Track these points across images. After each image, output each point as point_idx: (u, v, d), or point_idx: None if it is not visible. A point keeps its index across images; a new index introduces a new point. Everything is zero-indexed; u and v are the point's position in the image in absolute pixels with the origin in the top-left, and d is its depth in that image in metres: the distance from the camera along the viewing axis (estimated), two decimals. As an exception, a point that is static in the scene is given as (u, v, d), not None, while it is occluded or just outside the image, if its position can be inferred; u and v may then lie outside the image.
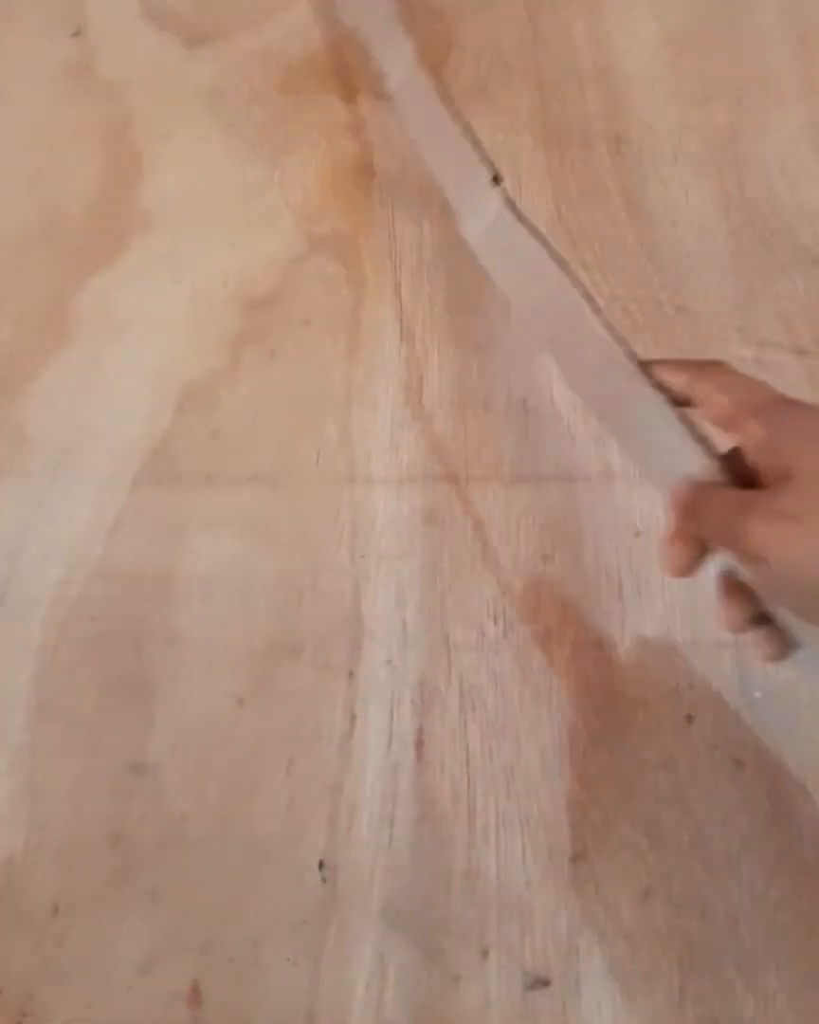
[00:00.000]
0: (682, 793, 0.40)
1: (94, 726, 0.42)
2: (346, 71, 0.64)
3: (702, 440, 0.34)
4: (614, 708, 0.42)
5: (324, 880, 0.39)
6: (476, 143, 0.40)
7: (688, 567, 0.35)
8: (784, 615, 0.34)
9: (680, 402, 0.35)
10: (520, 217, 0.38)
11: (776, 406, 0.33)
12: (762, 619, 0.35)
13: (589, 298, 0.36)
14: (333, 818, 0.40)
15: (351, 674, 0.43)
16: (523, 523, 0.47)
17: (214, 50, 0.64)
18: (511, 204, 0.39)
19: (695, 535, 0.34)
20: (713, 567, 0.35)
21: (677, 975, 0.38)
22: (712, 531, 0.33)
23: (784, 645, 0.34)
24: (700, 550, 0.34)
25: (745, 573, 0.34)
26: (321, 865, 0.39)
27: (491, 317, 0.53)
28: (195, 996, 0.37)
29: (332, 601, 0.45)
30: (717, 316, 0.53)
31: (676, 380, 0.35)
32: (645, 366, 0.35)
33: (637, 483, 0.48)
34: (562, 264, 0.36)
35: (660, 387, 0.35)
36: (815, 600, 0.30)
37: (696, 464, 0.34)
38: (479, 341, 0.52)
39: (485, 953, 0.38)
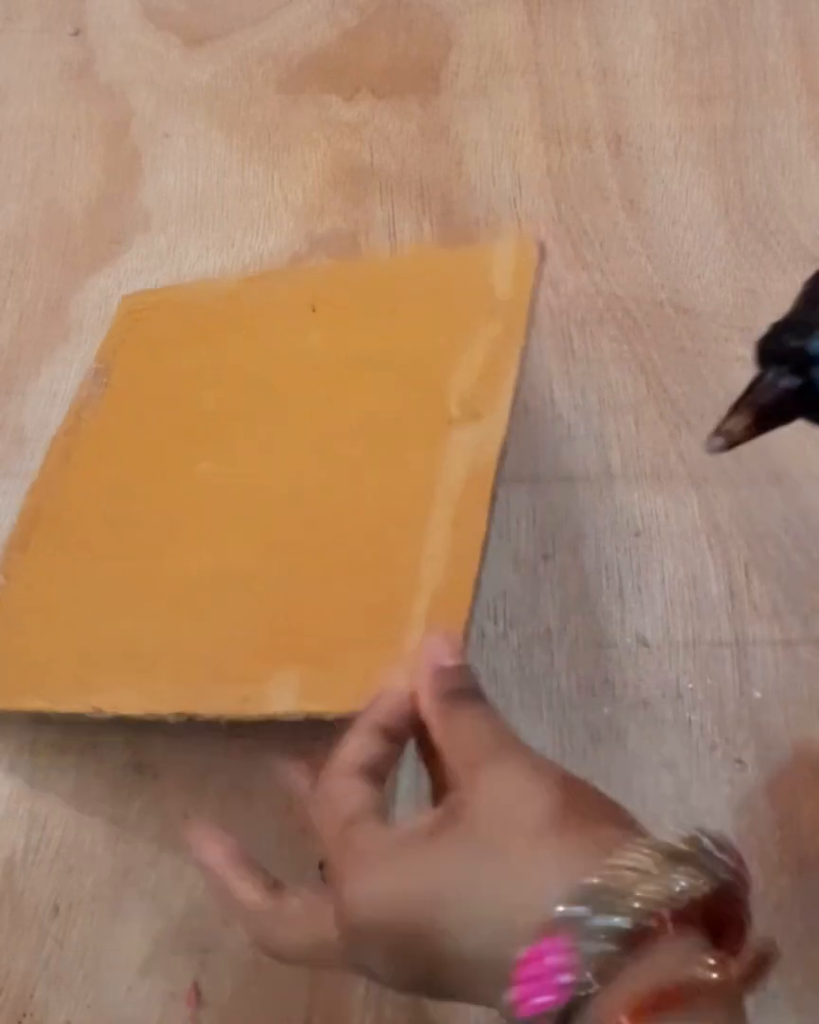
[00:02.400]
0: (682, 793, 0.40)
1: (94, 726, 0.42)
2: (346, 70, 0.64)
3: None
4: (614, 707, 0.42)
5: (324, 880, 0.39)
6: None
7: None
8: None
9: None
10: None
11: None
12: None
13: None
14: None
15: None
16: (523, 523, 0.47)
17: (214, 49, 0.64)
18: None
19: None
20: None
21: (677, 975, 0.37)
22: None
23: None
24: None
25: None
26: (321, 865, 0.39)
27: (491, 317, 0.53)
28: (195, 997, 0.37)
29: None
30: (717, 316, 0.53)
31: None
32: None
33: (637, 483, 0.48)
34: None
35: None
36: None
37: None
38: (479, 341, 0.52)
39: (485, 953, 0.38)
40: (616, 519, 0.46)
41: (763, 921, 0.38)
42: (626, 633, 0.44)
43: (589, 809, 0.26)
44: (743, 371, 0.52)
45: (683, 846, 0.24)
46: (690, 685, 0.43)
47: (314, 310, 0.47)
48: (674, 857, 0.24)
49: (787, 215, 0.57)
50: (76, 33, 0.65)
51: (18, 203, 0.58)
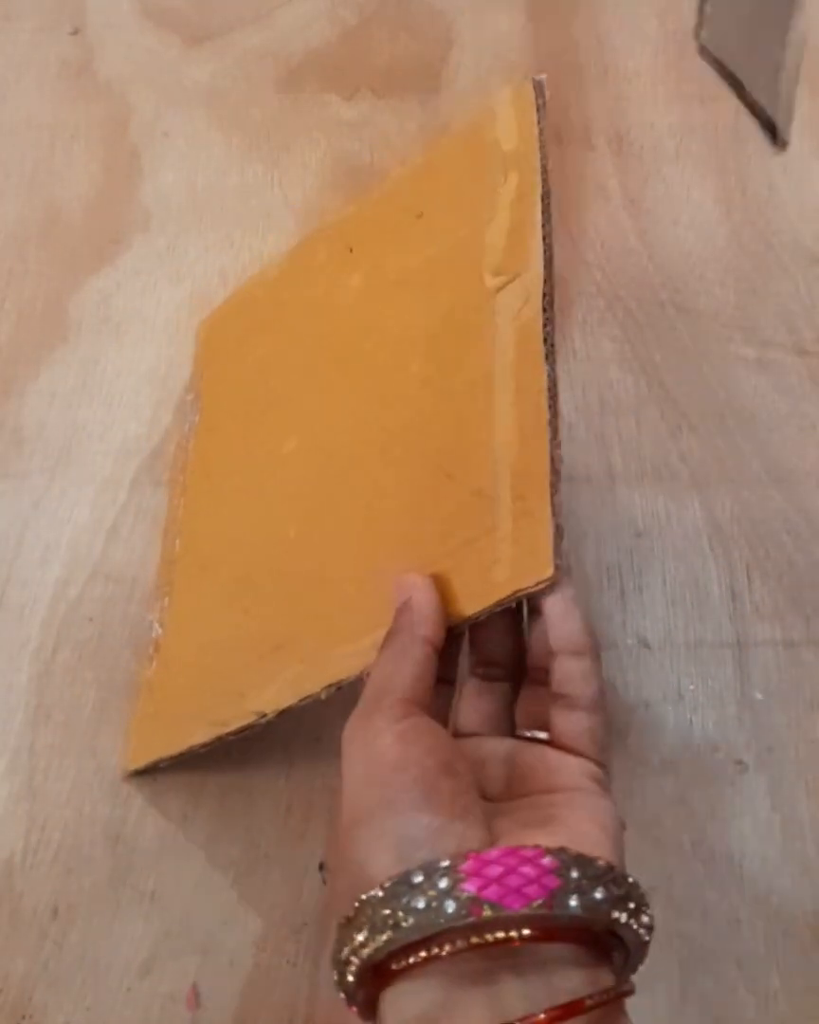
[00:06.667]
0: (683, 794, 0.40)
1: (93, 727, 0.42)
2: (346, 70, 0.63)
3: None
4: (615, 709, 0.42)
5: (324, 882, 0.39)
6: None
7: None
8: None
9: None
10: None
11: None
12: None
13: None
14: (333, 819, 0.40)
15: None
16: (524, 523, 0.46)
17: (213, 48, 0.64)
18: None
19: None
20: None
21: (678, 976, 0.37)
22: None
23: None
24: None
25: None
26: (321, 867, 0.39)
27: (491, 317, 0.53)
28: (194, 998, 0.37)
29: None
30: (719, 316, 0.53)
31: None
32: None
33: (638, 483, 0.48)
34: None
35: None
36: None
37: None
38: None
39: (486, 955, 0.38)
40: (617, 520, 0.46)
41: (764, 923, 0.38)
42: (627, 634, 0.44)
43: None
44: (745, 371, 0.52)
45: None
46: (691, 686, 0.43)
47: (351, 251, 0.46)
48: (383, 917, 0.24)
49: (789, 215, 0.56)
50: (75, 32, 0.64)
51: (16, 202, 0.58)
